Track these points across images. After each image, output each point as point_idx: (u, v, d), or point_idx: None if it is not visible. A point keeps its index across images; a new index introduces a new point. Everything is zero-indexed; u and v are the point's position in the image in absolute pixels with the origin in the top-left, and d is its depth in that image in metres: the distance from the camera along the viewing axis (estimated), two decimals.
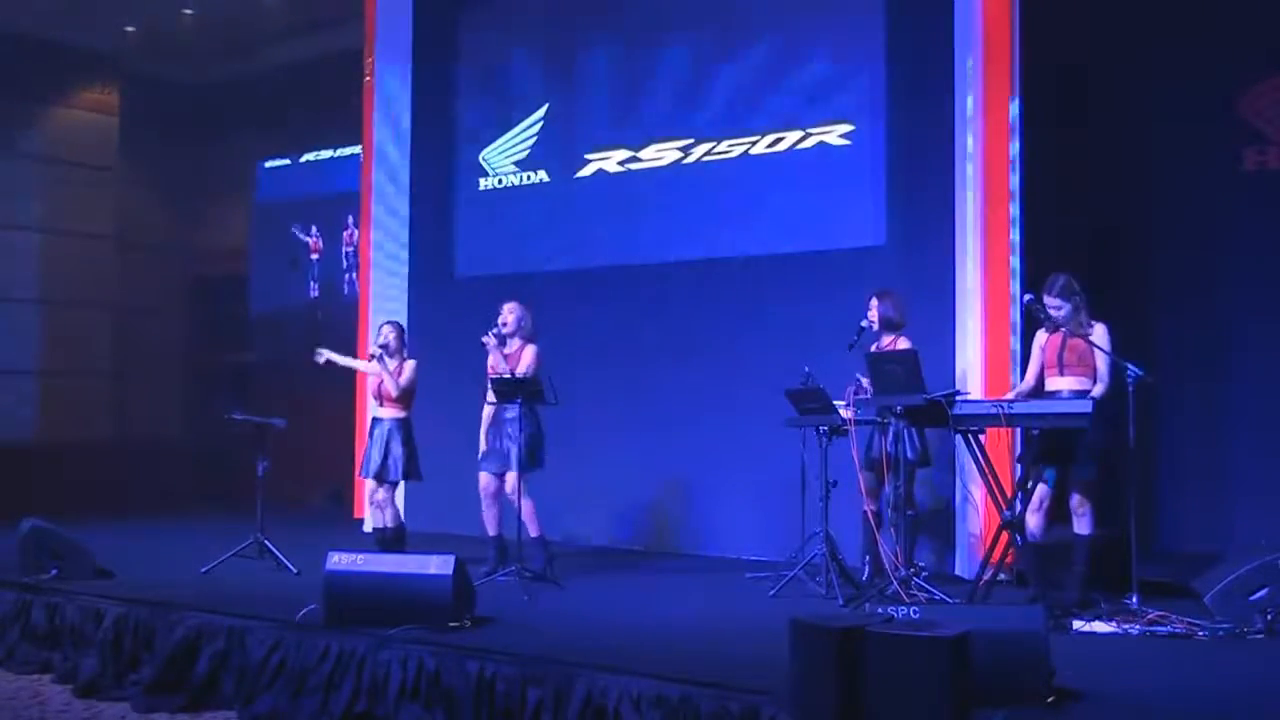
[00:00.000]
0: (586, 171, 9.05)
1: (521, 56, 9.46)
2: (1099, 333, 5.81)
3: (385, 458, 7.13)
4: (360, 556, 5.49)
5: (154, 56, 12.10)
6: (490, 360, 7.00)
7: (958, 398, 5.79)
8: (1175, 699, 4.25)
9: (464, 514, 8.08)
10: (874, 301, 6.68)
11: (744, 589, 6.76)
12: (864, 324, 6.64)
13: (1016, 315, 6.78)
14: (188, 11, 11.15)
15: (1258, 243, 7.18)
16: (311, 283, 12.24)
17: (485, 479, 7.05)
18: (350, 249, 11.72)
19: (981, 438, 5.86)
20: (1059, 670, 4.12)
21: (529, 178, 9.40)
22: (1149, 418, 6.04)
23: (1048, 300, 5.85)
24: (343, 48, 10.90)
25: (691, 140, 8.54)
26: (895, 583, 5.82)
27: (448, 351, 8.24)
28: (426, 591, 5.29)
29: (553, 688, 4.48)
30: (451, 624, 5.26)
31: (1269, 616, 5.24)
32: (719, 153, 8.41)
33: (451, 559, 5.34)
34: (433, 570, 5.33)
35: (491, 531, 7.03)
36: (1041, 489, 5.85)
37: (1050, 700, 4.02)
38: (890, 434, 6.11)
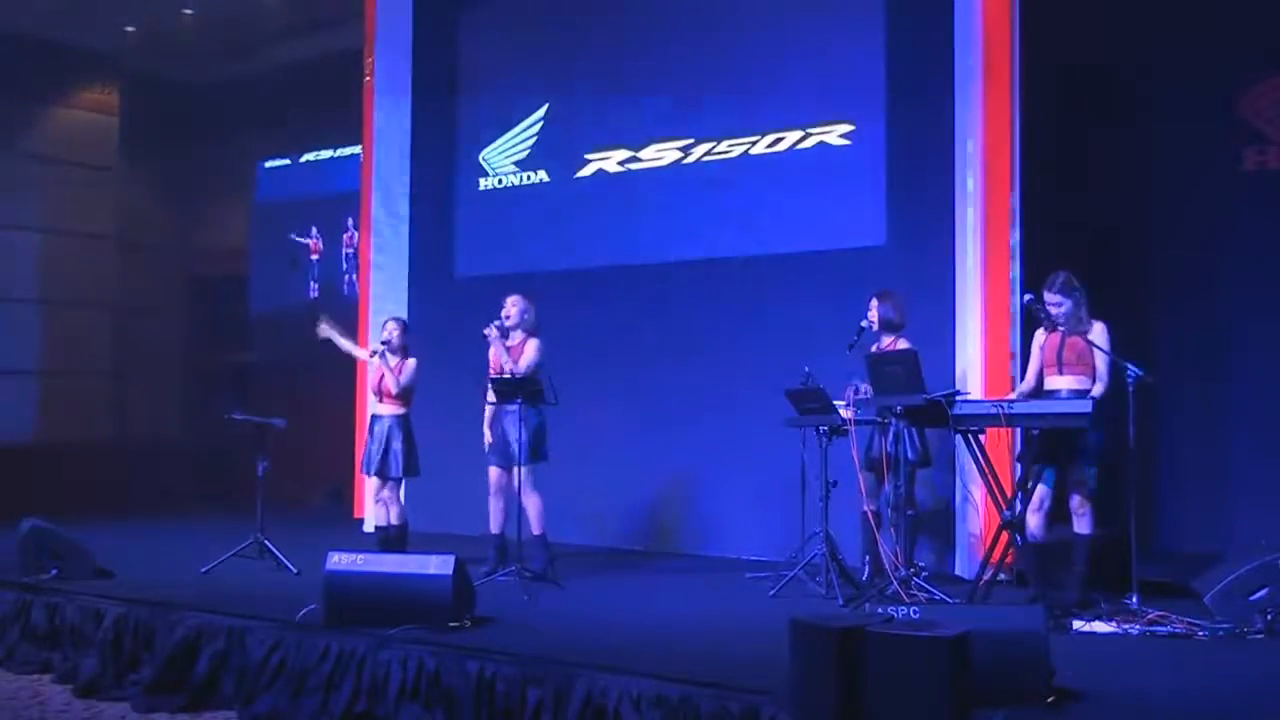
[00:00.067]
0: (586, 171, 9.05)
1: (521, 56, 9.46)
2: (1097, 331, 5.81)
3: (386, 454, 7.13)
4: (360, 556, 5.49)
5: (154, 56, 12.10)
6: (491, 353, 7.01)
7: (958, 398, 5.80)
8: (1175, 699, 4.25)
9: (464, 513, 8.11)
10: (874, 302, 6.68)
11: (744, 589, 6.76)
12: (864, 324, 6.64)
13: (1017, 315, 6.77)
14: (188, 11, 11.15)
15: (1258, 243, 7.18)
16: (311, 283, 12.24)
17: (494, 473, 7.05)
18: (350, 250, 11.72)
19: (981, 438, 5.86)
20: (1059, 670, 4.12)
21: (529, 178, 9.40)
22: (1149, 418, 6.03)
23: (1048, 297, 5.85)
24: (343, 48, 10.89)
25: (691, 140, 8.54)
26: (895, 583, 5.82)
27: (448, 351, 8.24)
28: (426, 591, 5.29)
29: (553, 688, 4.48)
30: (451, 624, 5.26)
31: (1269, 616, 5.24)
32: (719, 153, 8.41)
33: (451, 559, 5.35)
34: (433, 570, 5.33)
35: (494, 528, 7.03)
36: (1041, 489, 5.85)
37: (1050, 700, 4.02)
38: (890, 434, 6.11)
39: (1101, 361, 5.77)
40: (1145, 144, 7.46)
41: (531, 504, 6.90)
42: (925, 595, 5.81)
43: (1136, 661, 4.85)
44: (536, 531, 6.91)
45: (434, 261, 9.80)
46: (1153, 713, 4.11)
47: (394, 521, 7.22)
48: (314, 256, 12.28)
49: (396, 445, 7.12)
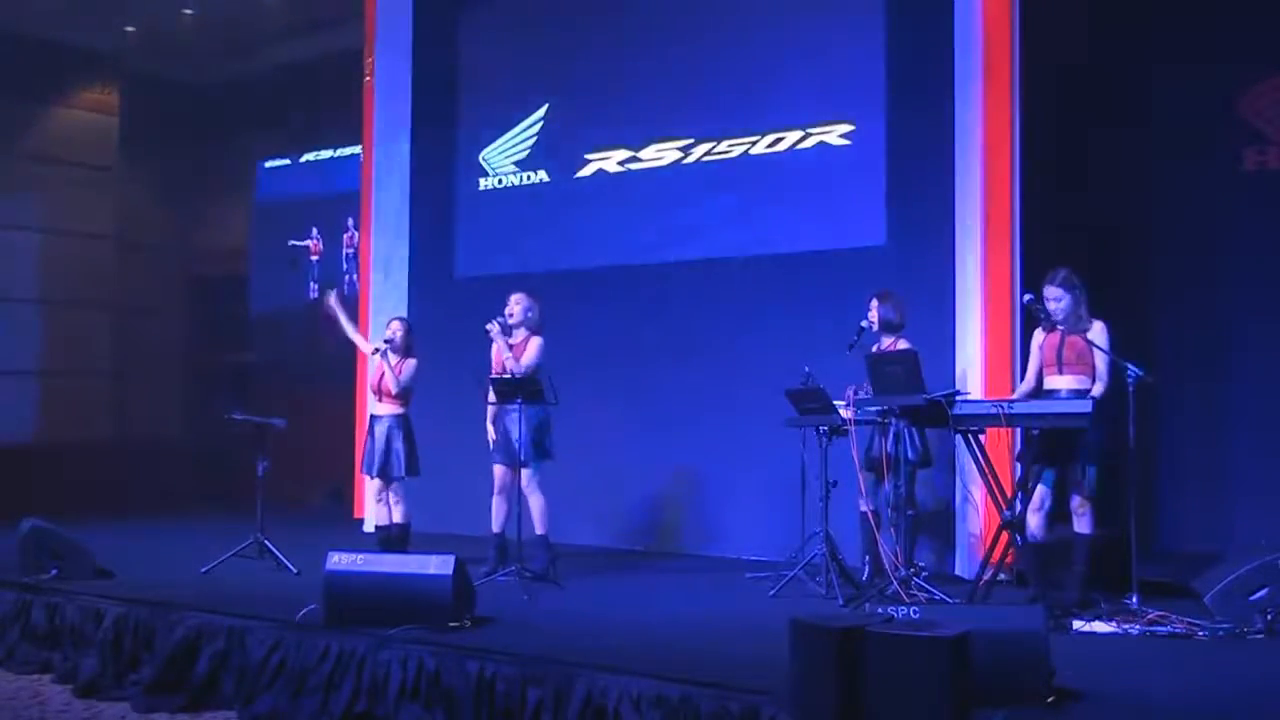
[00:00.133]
0: (586, 171, 9.05)
1: (521, 56, 9.46)
2: (1097, 330, 5.81)
3: (388, 455, 7.12)
4: (360, 556, 5.49)
5: (154, 56, 12.10)
6: (494, 350, 7.00)
7: (958, 398, 5.80)
8: (1175, 699, 4.25)
9: (465, 513, 8.10)
10: (874, 303, 6.67)
11: (744, 589, 6.76)
12: (864, 325, 6.64)
13: (1017, 315, 6.77)
14: (188, 11, 11.15)
15: (1258, 243, 7.18)
16: (311, 283, 12.24)
17: (498, 471, 7.05)
18: (350, 250, 11.72)
19: (981, 438, 5.86)
20: (1059, 670, 4.12)
21: (529, 178, 9.40)
22: (1149, 418, 6.03)
23: (1048, 291, 5.84)
24: (343, 48, 10.90)
25: (691, 140, 8.54)
26: (895, 583, 5.82)
27: (448, 351, 8.24)
28: (426, 591, 5.29)
29: (553, 688, 4.48)
30: (451, 624, 5.25)
31: (1269, 616, 5.24)
32: (719, 153, 8.41)
33: (451, 559, 5.34)
34: (433, 570, 5.33)
35: (496, 527, 7.02)
36: (1041, 489, 5.85)
37: (1050, 700, 4.02)
38: (890, 434, 6.11)
39: (1101, 361, 5.77)
40: (1145, 144, 7.46)
41: (535, 503, 6.90)
42: (925, 595, 5.81)
43: (1136, 661, 4.85)
44: (539, 531, 6.90)
45: (434, 261, 9.80)
46: (1153, 713, 4.11)
47: (397, 521, 7.22)
48: (314, 257, 12.28)
49: (398, 445, 7.11)
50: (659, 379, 8.41)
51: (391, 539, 7.16)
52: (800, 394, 6.55)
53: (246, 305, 12.85)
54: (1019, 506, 5.74)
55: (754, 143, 8.26)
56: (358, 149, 10.70)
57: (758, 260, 8.19)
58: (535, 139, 9.36)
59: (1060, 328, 5.84)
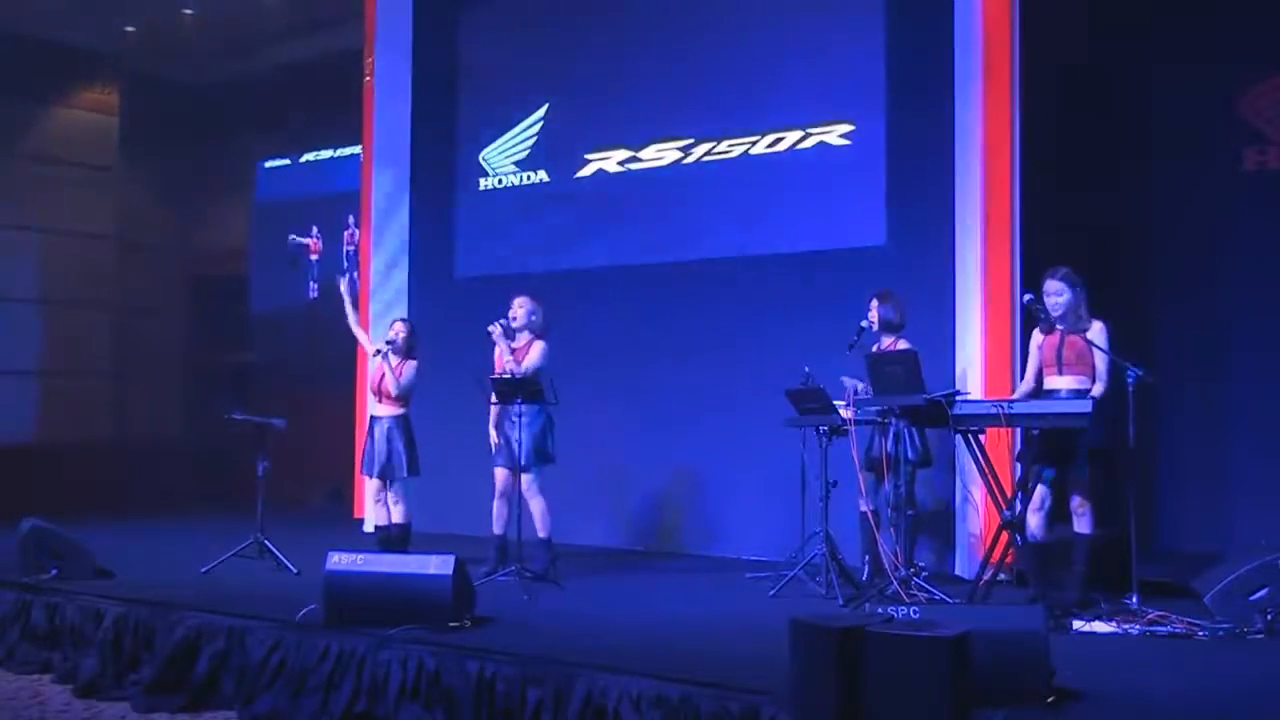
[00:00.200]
0: (586, 171, 9.05)
1: (521, 56, 9.46)
2: (1096, 330, 5.81)
3: (389, 455, 7.12)
4: (360, 556, 5.49)
5: (154, 56, 12.10)
6: (496, 353, 7.00)
7: (958, 398, 5.80)
8: (1175, 699, 4.25)
9: (465, 513, 8.10)
10: (874, 303, 6.67)
11: (744, 589, 6.76)
12: (864, 325, 6.64)
13: (1017, 315, 6.77)
14: (188, 11, 11.15)
15: (1258, 243, 7.18)
16: (311, 283, 12.23)
17: (499, 474, 7.04)
18: (351, 247, 11.72)
19: (981, 438, 5.86)
20: (1059, 670, 4.12)
21: (529, 178, 9.40)
22: (1149, 418, 6.04)
23: (1048, 285, 5.84)
24: (343, 48, 10.89)
25: (691, 140, 8.54)
26: (895, 583, 5.82)
27: (448, 351, 8.24)
28: (426, 591, 5.29)
29: (553, 688, 4.48)
30: (451, 624, 5.26)
31: (1269, 616, 5.24)
32: (719, 153, 8.41)
33: (451, 559, 5.34)
34: (433, 570, 5.33)
35: (497, 530, 7.01)
36: (1041, 489, 5.85)
37: (1050, 700, 4.02)
38: (890, 434, 6.11)
39: (1101, 361, 5.77)
40: (1145, 144, 7.46)
41: (535, 507, 6.89)
42: (925, 595, 5.81)
43: (1136, 661, 4.85)
44: (541, 535, 6.90)
45: (434, 261, 9.80)
46: (1153, 713, 4.11)
47: (396, 521, 7.21)
48: (314, 256, 12.27)
49: (399, 446, 7.11)
50: (659, 379, 8.41)
51: (392, 539, 7.16)
52: (800, 394, 6.56)
53: (246, 305, 12.85)
54: (1019, 506, 5.74)
55: (754, 143, 8.26)
56: (358, 149, 10.70)
57: (758, 260, 8.19)
58: (535, 139, 9.36)
59: (1060, 328, 5.84)
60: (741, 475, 7.96)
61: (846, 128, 7.89)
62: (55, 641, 6.08)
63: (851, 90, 7.86)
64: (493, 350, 7.05)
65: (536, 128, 9.35)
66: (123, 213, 12.27)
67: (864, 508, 6.63)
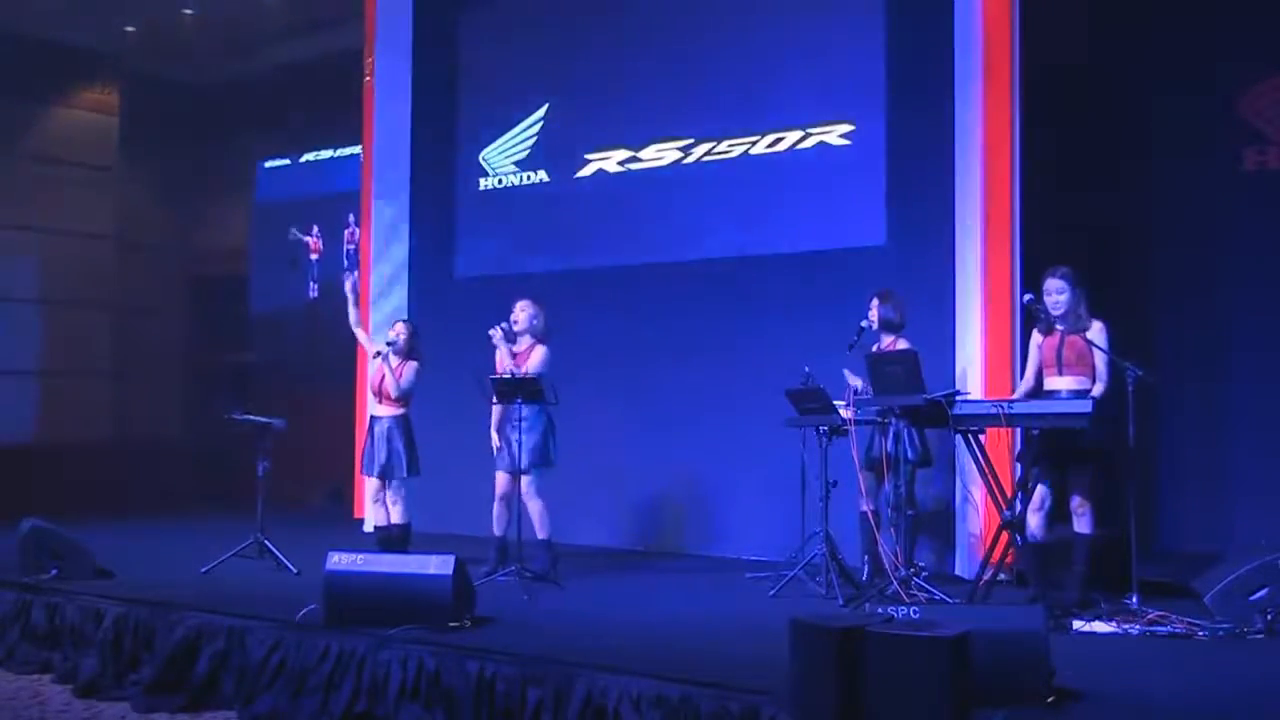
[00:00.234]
0: (586, 171, 9.05)
1: (521, 56, 9.46)
2: (1096, 330, 5.81)
3: (389, 455, 7.11)
4: (360, 556, 5.49)
5: (154, 56, 12.10)
6: (497, 357, 7.00)
7: (958, 398, 5.80)
8: (1175, 699, 4.25)
9: (464, 514, 8.10)
10: (874, 302, 6.67)
11: (744, 589, 6.76)
12: (864, 324, 6.64)
13: (1017, 315, 6.77)
14: (188, 11, 11.15)
15: (1258, 243, 7.18)
16: (311, 283, 12.24)
17: (500, 477, 7.04)
18: (351, 246, 11.72)
19: (981, 438, 5.86)
20: (1059, 670, 4.12)
21: (529, 178, 9.40)
22: (1149, 418, 6.04)
23: (1049, 283, 5.84)
24: (343, 48, 10.89)
25: (691, 140, 8.54)
26: (895, 583, 5.82)
27: (448, 351, 8.23)
28: (426, 591, 5.29)
29: (553, 688, 4.48)
30: (451, 624, 5.26)
31: (1269, 616, 5.24)
32: (719, 153, 8.41)
33: (451, 559, 5.35)
34: (433, 570, 5.33)
35: (498, 531, 7.02)
36: (1041, 489, 5.85)
37: (1050, 700, 4.02)
38: (890, 434, 6.11)
39: (1101, 361, 5.77)
40: (1145, 144, 7.46)
41: (535, 509, 6.89)
42: (925, 595, 5.81)
43: (1136, 661, 4.85)
44: (541, 536, 6.90)
45: (434, 261, 9.80)
46: (1153, 713, 4.11)
47: (396, 521, 7.21)
48: (314, 256, 12.28)
49: (398, 446, 7.10)
50: (659, 379, 8.41)
51: (392, 539, 7.15)
52: (800, 394, 6.56)
53: (246, 305, 12.85)
54: (1019, 506, 5.74)
55: (754, 143, 8.26)
56: (358, 149, 10.70)
57: (758, 260, 8.19)
58: (535, 139, 9.36)
59: (1059, 328, 5.84)
60: (741, 475, 7.96)
61: (846, 128, 7.89)
62: (55, 641, 6.08)
63: (851, 90, 7.86)
64: (494, 353, 7.04)
65: (536, 128, 9.35)
66: (123, 213, 12.27)
67: (864, 508, 6.63)
